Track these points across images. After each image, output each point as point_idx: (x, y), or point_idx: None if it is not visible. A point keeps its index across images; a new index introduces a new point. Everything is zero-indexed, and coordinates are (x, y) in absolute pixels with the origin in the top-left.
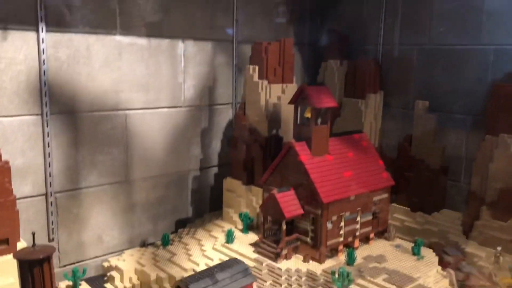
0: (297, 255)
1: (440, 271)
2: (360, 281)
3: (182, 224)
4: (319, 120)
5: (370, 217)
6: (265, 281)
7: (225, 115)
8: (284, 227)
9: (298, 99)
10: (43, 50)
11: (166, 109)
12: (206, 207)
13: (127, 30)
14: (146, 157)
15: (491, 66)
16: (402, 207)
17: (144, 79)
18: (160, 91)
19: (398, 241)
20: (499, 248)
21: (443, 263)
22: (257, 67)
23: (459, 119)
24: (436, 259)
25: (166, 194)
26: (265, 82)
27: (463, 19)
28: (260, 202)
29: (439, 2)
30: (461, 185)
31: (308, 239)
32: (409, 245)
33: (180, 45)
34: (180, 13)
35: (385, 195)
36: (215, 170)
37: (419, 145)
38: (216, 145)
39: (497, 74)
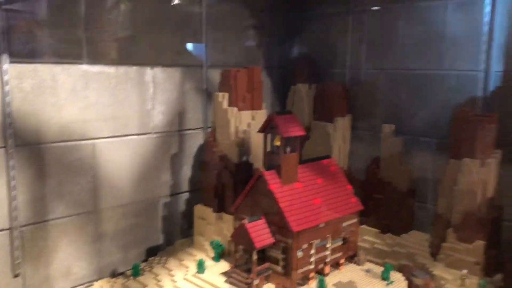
0: (269, 284)
1: None
2: None
3: (153, 252)
4: (288, 149)
5: (340, 243)
6: None
7: (195, 140)
8: (255, 257)
9: (266, 128)
10: (7, 81)
11: (135, 137)
12: (178, 234)
13: (94, 58)
14: (115, 186)
15: (453, 91)
16: (371, 229)
17: (112, 107)
18: (128, 118)
19: (367, 265)
20: (465, 271)
21: (412, 286)
22: (226, 94)
23: (425, 142)
24: (405, 283)
25: (136, 222)
26: (235, 109)
27: (426, 45)
28: (231, 229)
29: (403, 28)
30: (428, 207)
31: (279, 268)
32: (378, 269)
33: (149, 72)
34: (148, 40)
35: (355, 220)
36: (186, 196)
37: (387, 168)
38: (187, 171)
39: (459, 99)
